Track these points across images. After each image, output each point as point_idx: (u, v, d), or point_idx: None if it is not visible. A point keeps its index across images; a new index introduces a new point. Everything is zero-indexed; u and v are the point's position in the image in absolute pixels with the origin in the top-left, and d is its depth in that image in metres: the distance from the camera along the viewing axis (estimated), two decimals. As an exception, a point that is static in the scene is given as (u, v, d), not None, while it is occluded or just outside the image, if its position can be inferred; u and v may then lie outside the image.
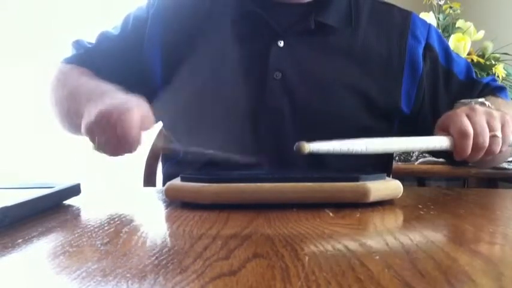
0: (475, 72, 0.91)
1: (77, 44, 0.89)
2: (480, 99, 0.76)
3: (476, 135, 0.64)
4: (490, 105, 0.73)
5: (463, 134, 0.64)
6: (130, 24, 0.87)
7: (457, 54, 0.91)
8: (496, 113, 0.67)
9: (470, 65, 0.90)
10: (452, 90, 0.86)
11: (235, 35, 0.82)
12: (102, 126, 0.64)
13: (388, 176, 0.86)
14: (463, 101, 0.77)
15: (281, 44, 0.80)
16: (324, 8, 0.82)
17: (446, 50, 0.88)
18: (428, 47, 0.85)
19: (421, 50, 0.84)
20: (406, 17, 0.86)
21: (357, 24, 0.84)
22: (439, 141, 0.65)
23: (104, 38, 0.88)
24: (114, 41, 0.87)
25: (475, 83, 0.88)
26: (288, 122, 0.79)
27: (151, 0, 0.87)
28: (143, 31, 0.85)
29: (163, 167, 0.95)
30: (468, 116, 0.66)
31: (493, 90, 0.88)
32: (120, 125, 0.62)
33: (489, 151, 0.65)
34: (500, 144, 0.66)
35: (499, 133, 0.65)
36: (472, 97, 0.80)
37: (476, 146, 0.65)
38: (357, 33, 0.83)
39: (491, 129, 0.65)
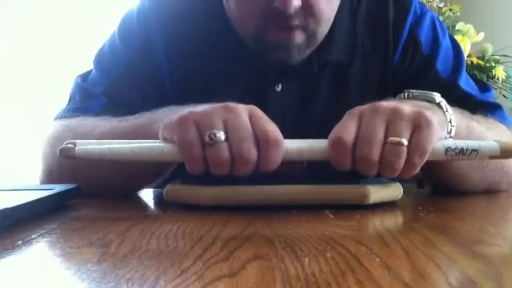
0: (477, 78, 0.85)
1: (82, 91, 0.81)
2: (433, 93, 0.59)
3: (357, 143, 0.49)
4: (444, 104, 0.59)
5: (334, 142, 0.50)
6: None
7: (457, 56, 0.80)
8: (408, 112, 0.50)
9: (463, 68, 0.79)
10: (424, 82, 0.74)
11: (234, 78, 0.78)
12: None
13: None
14: (412, 90, 0.61)
15: (278, 87, 0.77)
16: (327, 47, 0.76)
17: (436, 43, 0.79)
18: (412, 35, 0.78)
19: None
20: (402, 14, 0.78)
21: (358, 50, 0.78)
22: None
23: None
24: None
25: (456, 88, 0.76)
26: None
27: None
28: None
29: None
30: (360, 116, 0.51)
31: (481, 107, 0.74)
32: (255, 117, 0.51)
33: (389, 165, 0.50)
34: (404, 154, 0.49)
35: (404, 140, 0.49)
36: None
37: (358, 158, 0.50)
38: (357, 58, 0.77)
39: (390, 134, 0.49)
